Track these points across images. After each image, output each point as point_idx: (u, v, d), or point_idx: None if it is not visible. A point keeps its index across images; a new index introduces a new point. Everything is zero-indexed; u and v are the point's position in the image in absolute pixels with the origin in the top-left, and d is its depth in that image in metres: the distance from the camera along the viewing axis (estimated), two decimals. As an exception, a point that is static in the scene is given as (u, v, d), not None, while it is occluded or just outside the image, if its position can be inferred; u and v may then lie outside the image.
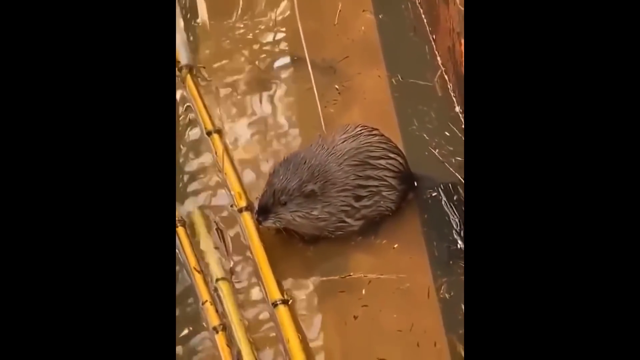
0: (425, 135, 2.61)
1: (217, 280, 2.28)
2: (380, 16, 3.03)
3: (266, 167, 2.47)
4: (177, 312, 2.21)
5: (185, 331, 2.20)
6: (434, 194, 2.44)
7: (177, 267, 2.31)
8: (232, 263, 2.34)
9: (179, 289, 2.27)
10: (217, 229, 2.41)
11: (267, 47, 2.98)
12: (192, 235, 2.39)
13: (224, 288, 2.26)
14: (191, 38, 2.95)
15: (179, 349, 2.16)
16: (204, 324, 2.20)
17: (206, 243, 2.37)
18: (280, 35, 3.01)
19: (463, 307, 2.15)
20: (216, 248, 2.36)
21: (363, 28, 3.00)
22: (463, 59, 2.55)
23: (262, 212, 2.29)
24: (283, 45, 2.98)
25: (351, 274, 2.29)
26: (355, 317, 2.21)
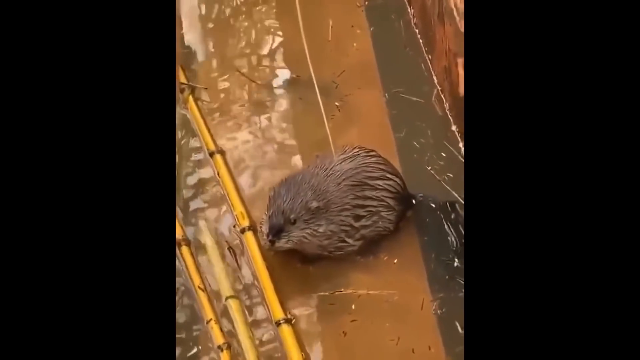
0: (421, 151, 2.64)
1: (226, 298, 2.31)
2: (374, 31, 3.05)
3: (267, 187, 2.47)
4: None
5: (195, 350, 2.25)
6: (432, 205, 2.49)
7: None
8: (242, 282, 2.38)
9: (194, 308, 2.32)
10: (229, 248, 2.44)
11: (266, 65, 3.01)
12: (201, 253, 2.42)
13: (233, 305, 2.30)
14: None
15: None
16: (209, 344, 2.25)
17: (215, 261, 2.40)
18: (277, 54, 3.05)
19: (457, 324, 2.22)
20: (227, 266, 2.39)
21: (355, 44, 3.02)
22: (459, 78, 2.58)
23: (275, 232, 2.30)
24: (280, 64, 3.02)
25: (342, 290, 2.33)
26: (344, 333, 2.25)
